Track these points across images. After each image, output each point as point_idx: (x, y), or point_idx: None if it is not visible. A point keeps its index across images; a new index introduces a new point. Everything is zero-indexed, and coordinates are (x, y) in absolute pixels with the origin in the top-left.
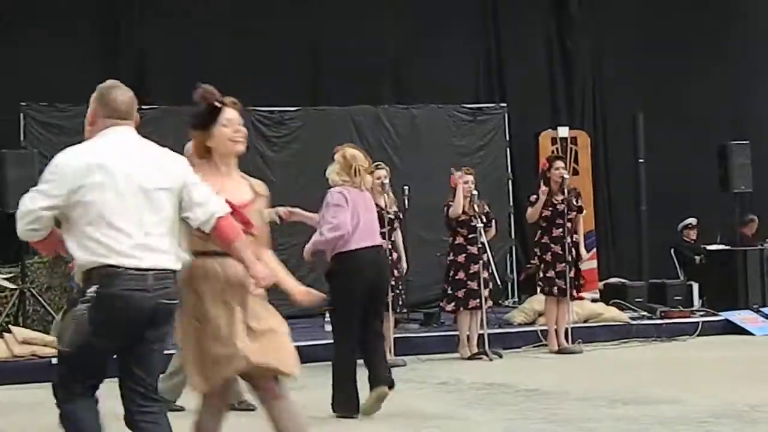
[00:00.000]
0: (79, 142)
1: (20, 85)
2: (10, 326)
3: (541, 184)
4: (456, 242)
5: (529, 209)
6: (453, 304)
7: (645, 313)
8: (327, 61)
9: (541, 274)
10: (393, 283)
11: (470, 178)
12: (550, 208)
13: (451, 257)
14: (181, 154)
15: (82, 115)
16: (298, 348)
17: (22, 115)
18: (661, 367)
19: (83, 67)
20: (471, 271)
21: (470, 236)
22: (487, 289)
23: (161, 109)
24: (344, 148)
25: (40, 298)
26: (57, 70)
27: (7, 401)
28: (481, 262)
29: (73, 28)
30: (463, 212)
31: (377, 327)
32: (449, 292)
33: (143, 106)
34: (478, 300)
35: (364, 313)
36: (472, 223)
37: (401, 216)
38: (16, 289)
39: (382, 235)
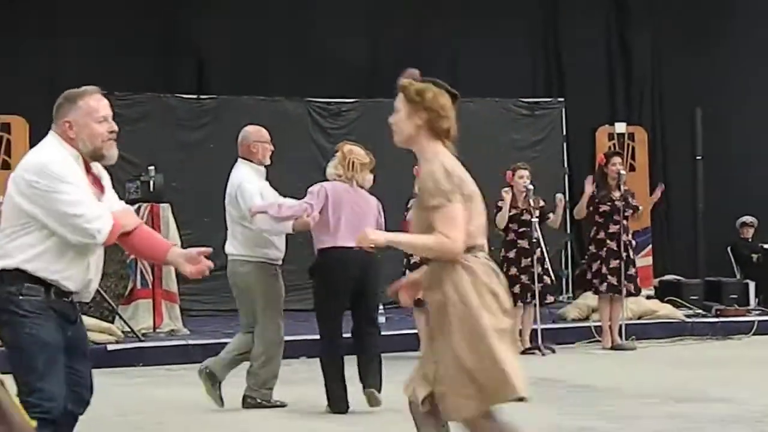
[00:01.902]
0: (137, 131)
1: (80, 74)
2: None
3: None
4: (507, 238)
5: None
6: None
7: (700, 311)
8: (384, 53)
9: (594, 271)
10: None
11: (526, 172)
12: (608, 204)
13: (502, 253)
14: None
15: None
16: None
17: None
18: (716, 366)
19: (144, 59)
20: (522, 266)
21: (521, 230)
22: (542, 285)
23: (219, 99)
24: (344, 144)
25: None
26: (116, 58)
27: None
28: (534, 256)
29: (132, 19)
30: (514, 206)
31: (365, 326)
32: None
33: (202, 96)
34: (530, 294)
35: (352, 312)
36: (523, 218)
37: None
38: None
39: None
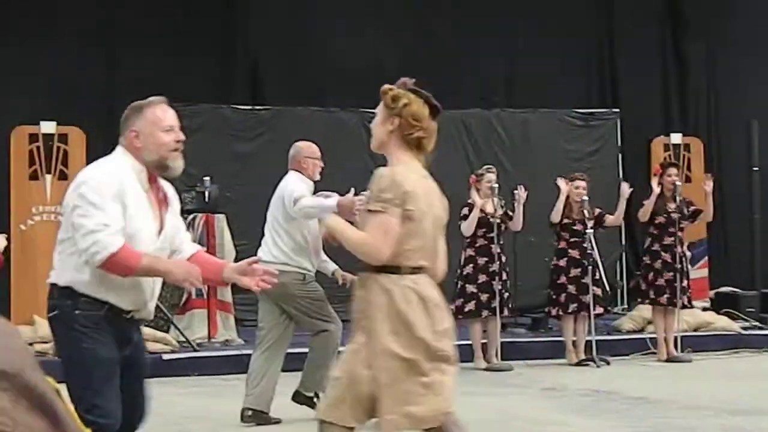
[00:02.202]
0: (193, 142)
1: (137, 84)
2: None
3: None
4: (559, 246)
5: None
6: (557, 309)
7: (757, 323)
8: (439, 64)
9: (649, 282)
10: (500, 287)
11: (582, 183)
12: (663, 216)
13: (554, 261)
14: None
15: (196, 115)
16: None
17: None
18: None
19: (200, 70)
20: (571, 275)
21: (572, 240)
22: (596, 295)
23: (274, 110)
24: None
25: None
26: (173, 69)
27: None
28: (587, 267)
29: (188, 29)
30: (567, 216)
31: None
32: (553, 297)
33: (257, 107)
34: (577, 305)
35: None
36: (576, 228)
37: (507, 221)
38: None
39: (491, 240)
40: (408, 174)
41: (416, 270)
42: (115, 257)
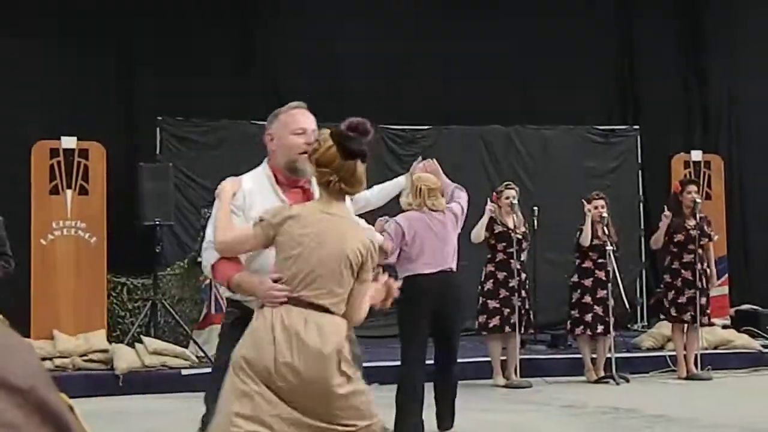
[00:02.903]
0: (213, 157)
1: (158, 99)
2: (141, 336)
3: (665, 209)
4: (584, 265)
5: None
6: (581, 327)
7: None
8: (459, 81)
9: (669, 300)
10: (519, 304)
11: (601, 202)
12: (683, 233)
13: (575, 279)
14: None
15: (217, 130)
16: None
17: (158, 129)
18: None
19: (220, 85)
20: (598, 296)
21: (599, 261)
22: (615, 316)
23: None
24: (414, 171)
25: (171, 310)
26: (193, 84)
27: (138, 410)
28: (609, 287)
29: (209, 44)
30: (596, 236)
31: (445, 357)
32: (576, 315)
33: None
34: (604, 327)
35: (435, 340)
36: (606, 248)
37: (528, 237)
38: (148, 299)
39: (510, 255)
40: (289, 210)
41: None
42: (213, 272)
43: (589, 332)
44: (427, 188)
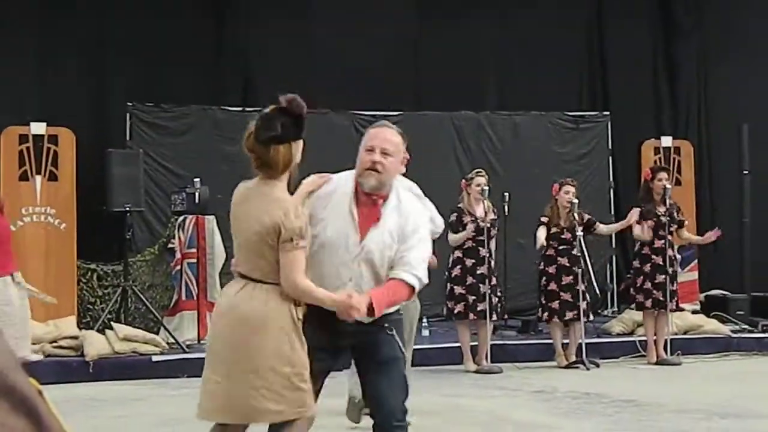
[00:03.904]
0: (183, 143)
1: (128, 85)
2: (111, 323)
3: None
4: (547, 253)
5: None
6: (546, 314)
7: (746, 327)
8: (430, 66)
9: (639, 286)
10: (490, 290)
11: (572, 189)
12: (653, 220)
13: (542, 267)
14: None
15: (187, 116)
16: None
17: (128, 114)
18: (762, 382)
19: (191, 71)
20: (564, 283)
21: (561, 248)
22: (585, 302)
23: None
24: None
25: (141, 296)
26: (163, 70)
27: (108, 397)
28: (578, 273)
29: (180, 30)
30: (555, 224)
31: None
32: (543, 302)
33: (247, 108)
34: (575, 312)
35: None
36: (564, 236)
37: (497, 224)
38: (118, 286)
39: (480, 243)
40: (239, 186)
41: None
42: None
43: (557, 319)
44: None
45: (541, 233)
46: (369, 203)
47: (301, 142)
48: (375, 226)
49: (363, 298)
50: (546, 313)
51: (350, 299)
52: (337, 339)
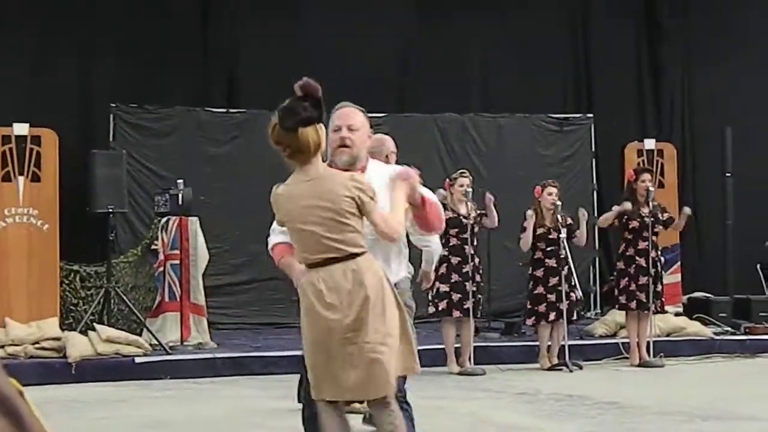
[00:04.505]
0: (166, 144)
1: (111, 86)
2: (94, 324)
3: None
4: (535, 256)
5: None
6: (533, 318)
7: (729, 329)
8: (415, 68)
9: (622, 287)
10: (474, 289)
11: (554, 190)
12: (637, 221)
13: (531, 271)
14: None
15: (171, 117)
16: None
17: (112, 115)
18: (744, 384)
19: (175, 72)
20: (550, 285)
21: (549, 249)
22: (568, 302)
23: (249, 113)
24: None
25: (124, 298)
26: (147, 71)
27: (91, 398)
28: (562, 275)
29: (163, 31)
30: (542, 225)
31: None
32: (529, 306)
33: (231, 110)
34: (555, 313)
35: None
36: (551, 236)
37: (480, 222)
38: (101, 287)
39: (464, 241)
40: (276, 189)
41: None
42: (272, 252)
43: (544, 322)
44: None
45: (528, 233)
46: None
47: (323, 127)
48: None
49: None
50: (533, 318)
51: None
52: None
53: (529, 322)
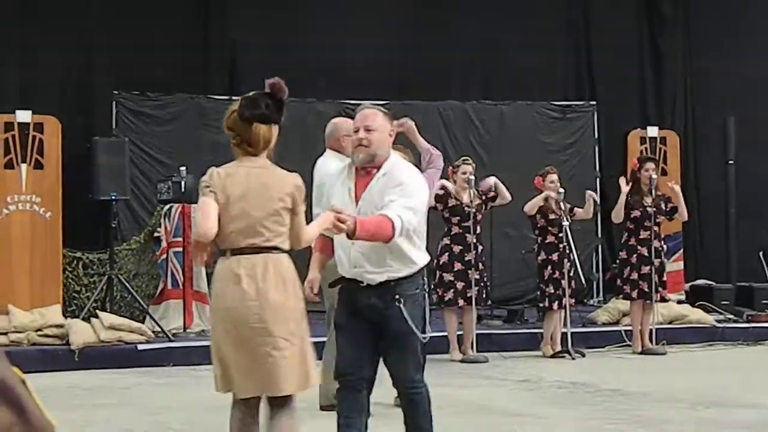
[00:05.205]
0: (169, 132)
1: (113, 74)
2: (97, 311)
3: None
4: (547, 241)
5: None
6: (556, 302)
7: (731, 316)
8: (417, 56)
9: (625, 277)
10: (477, 277)
11: (555, 177)
12: (640, 210)
13: (543, 256)
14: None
15: (173, 104)
16: None
17: (114, 103)
18: (746, 371)
19: (177, 59)
20: (564, 269)
21: (560, 234)
22: (571, 289)
23: None
24: None
25: (127, 285)
26: (149, 58)
27: (94, 385)
28: (566, 261)
29: (166, 19)
30: (552, 211)
31: None
32: (547, 290)
33: (234, 97)
34: (565, 298)
35: None
36: (563, 223)
37: (482, 209)
38: (104, 274)
39: (466, 229)
40: (231, 168)
41: (235, 251)
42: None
43: (556, 305)
44: None
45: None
46: (364, 175)
47: (277, 128)
48: (367, 190)
49: (350, 220)
50: (555, 302)
51: (337, 214)
52: (352, 315)
53: (547, 304)
